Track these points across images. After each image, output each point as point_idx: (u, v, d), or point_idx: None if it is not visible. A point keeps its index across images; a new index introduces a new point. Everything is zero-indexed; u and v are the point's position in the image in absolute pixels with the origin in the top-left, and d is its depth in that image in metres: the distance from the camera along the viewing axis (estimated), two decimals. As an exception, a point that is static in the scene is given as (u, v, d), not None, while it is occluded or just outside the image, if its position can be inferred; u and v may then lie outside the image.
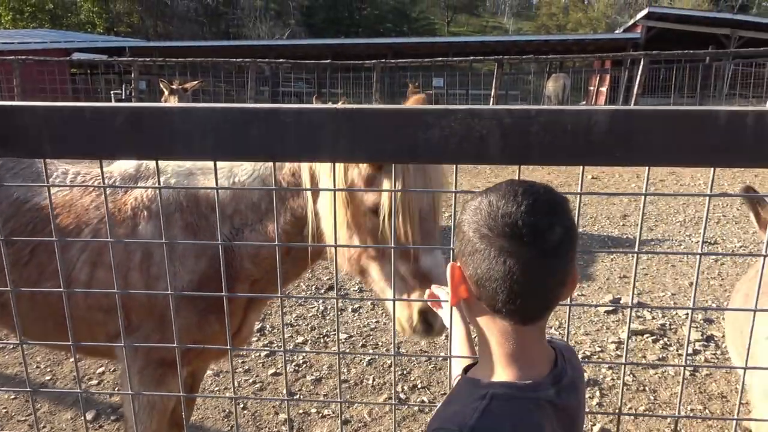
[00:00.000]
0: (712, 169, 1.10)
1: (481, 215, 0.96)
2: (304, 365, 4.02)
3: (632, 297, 1.20)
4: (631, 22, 25.72)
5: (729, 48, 19.96)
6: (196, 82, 8.60)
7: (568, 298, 1.06)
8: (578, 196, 1.23)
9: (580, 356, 4.35)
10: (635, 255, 1.21)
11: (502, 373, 1.03)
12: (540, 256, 0.94)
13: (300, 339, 4.39)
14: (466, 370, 1.16)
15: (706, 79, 19.33)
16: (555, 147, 1.02)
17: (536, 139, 1.02)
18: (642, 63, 14.76)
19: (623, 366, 1.32)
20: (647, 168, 1.13)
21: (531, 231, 0.93)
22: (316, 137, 1.06)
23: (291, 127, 1.05)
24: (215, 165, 1.18)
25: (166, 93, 8.25)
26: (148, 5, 46.69)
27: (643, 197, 1.21)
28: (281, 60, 17.01)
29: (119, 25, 46.10)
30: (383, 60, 16.40)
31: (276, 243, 1.27)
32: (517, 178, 1.05)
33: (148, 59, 17.30)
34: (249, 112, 1.06)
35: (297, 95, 24.71)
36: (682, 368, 1.27)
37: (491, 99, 15.04)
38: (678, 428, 3.36)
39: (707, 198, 1.19)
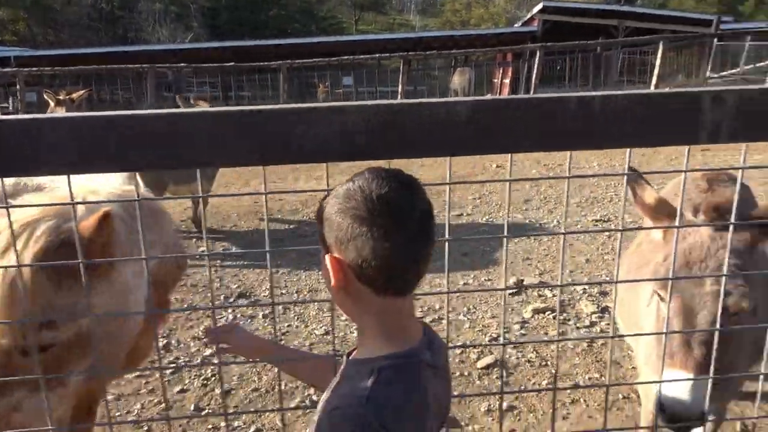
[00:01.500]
0: (569, 152, 1.17)
1: (356, 200, 1.01)
2: (213, 378, 3.89)
3: (505, 277, 1.26)
4: (528, 15, 26.89)
5: (618, 38, 21.33)
6: (83, 91, 8.09)
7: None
8: (448, 186, 1.27)
9: (487, 339, 4.51)
10: (506, 239, 1.27)
11: (384, 347, 1.09)
12: (416, 230, 1.03)
13: (208, 352, 4.25)
14: (348, 355, 1.20)
15: (598, 67, 20.53)
16: (421, 139, 1.07)
17: (401, 132, 1.06)
18: (538, 54, 15.49)
19: (502, 347, 1.38)
20: (510, 155, 1.22)
21: (403, 208, 1.02)
22: (185, 142, 1.03)
23: (164, 136, 1.01)
24: (68, 179, 1.09)
25: (52, 104, 7.71)
26: (34, 12, 43.50)
27: (508, 183, 1.28)
28: (182, 65, 16.38)
29: (4, 34, 42.59)
30: (289, 60, 16.20)
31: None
32: (388, 169, 1.09)
33: (35, 69, 16.10)
34: (105, 119, 1.00)
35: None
36: (556, 342, 1.34)
37: (398, 95, 15.26)
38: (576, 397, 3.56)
39: (567, 180, 1.30)
